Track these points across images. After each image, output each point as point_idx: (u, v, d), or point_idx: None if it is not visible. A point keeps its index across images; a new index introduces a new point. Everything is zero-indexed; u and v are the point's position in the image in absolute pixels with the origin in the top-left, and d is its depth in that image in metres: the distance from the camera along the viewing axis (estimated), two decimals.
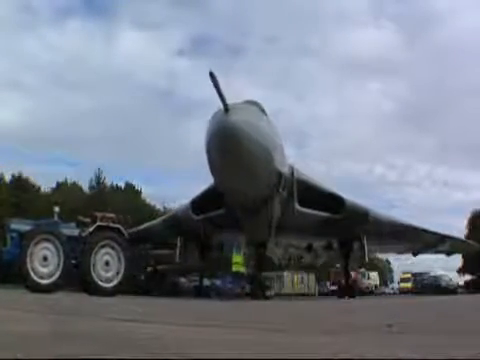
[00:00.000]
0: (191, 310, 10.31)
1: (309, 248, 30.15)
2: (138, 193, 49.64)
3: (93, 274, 15.48)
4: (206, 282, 30.54)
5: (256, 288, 21.92)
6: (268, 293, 20.71)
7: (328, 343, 3.63)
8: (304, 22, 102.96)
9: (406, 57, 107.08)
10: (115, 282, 16.02)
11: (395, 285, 61.66)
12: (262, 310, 11.46)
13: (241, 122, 15.51)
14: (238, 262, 21.20)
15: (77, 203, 40.73)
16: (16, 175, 42.48)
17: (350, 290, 25.90)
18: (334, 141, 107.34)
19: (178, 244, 25.18)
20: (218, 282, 35.74)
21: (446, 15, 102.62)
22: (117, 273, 16.10)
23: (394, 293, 51.08)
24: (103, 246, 16.01)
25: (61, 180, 47.51)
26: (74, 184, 47.22)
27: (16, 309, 7.21)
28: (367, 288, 42.23)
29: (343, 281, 27.63)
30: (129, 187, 49.36)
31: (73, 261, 15.28)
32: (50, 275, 14.64)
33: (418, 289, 39.51)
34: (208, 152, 16.51)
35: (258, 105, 18.61)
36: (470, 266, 46.69)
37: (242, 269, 22.12)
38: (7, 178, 42.70)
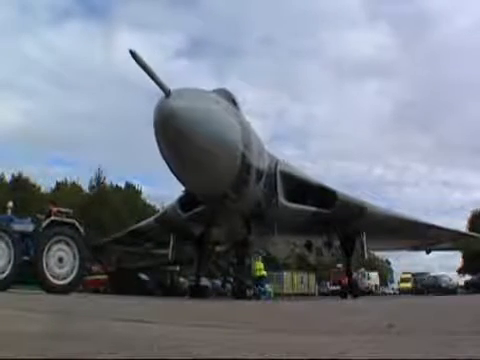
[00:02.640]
0: (190, 310, 10.30)
1: (309, 246, 28.90)
2: (138, 193, 49.70)
3: (46, 271, 14.91)
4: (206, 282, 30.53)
5: (236, 288, 21.68)
6: (249, 293, 20.91)
7: (329, 343, 3.63)
8: (302, 23, 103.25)
9: (403, 57, 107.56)
10: (69, 279, 15.42)
11: (395, 285, 61.73)
12: (263, 310, 11.45)
13: (183, 106, 14.07)
14: (260, 268, 21.52)
15: (77, 203, 40.78)
16: (16, 175, 42.55)
17: (353, 290, 25.19)
18: (333, 142, 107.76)
19: (171, 243, 24.27)
20: (217, 282, 35.80)
21: (442, 15, 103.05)
22: (72, 270, 15.52)
23: (394, 293, 51.14)
24: (57, 242, 15.42)
25: (61, 180, 47.62)
26: (74, 184, 47.25)
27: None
28: (367, 288, 42.27)
29: (345, 281, 26.83)
30: (129, 187, 49.42)
31: (26, 257, 14.78)
32: (1, 272, 14.12)
33: (418, 289, 39.55)
34: (156, 141, 15.21)
35: (226, 93, 17.41)
36: (470, 266, 46.72)
37: (264, 273, 22.48)
38: (7, 178, 42.81)
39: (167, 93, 13.94)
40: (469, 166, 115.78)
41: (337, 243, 25.93)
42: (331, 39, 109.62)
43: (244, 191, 18.49)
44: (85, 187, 46.27)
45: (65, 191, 44.32)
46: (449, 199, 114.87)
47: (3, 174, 42.76)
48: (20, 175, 42.73)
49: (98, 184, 45.08)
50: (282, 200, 20.98)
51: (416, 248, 30.63)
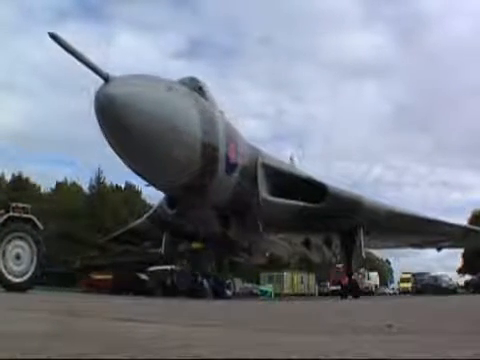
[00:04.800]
0: (190, 310, 10.30)
1: (307, 243, 27.65)
2: (138, 193, 49.63)
3: (2, 268, 14.55)
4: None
5: (217, 287, 21.36)
6: (229, 293, 20.85)
7: (329, 343, 3.63)
8: (300, 24, 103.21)
9: (402, 58, 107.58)
10: (27, 276, 15.05)
11: (395, 285, 61.72)
12: (262, 310, 11.45)
13: (122, 93, 13.10)
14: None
15: (77, 203, 40.81)
16: (16, 175, 42.58)
17: (354, 290, 24.48)
18: (333, 142, 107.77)
19: (163, 240, 23.60)
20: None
21: (440, 16, 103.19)
22: (29, 267, 15.16)
23: (394, 293, 51.08)
24: (14, 238, 15.06)
25: (61, 180, 47.60)
26: (74, 184, 47.22)
27: None
28: (367, 288, 42.15)
29: (345, 281, 25.82)
30: (129, 187, 49.35)
31: None
32: None
33: (418, 289, 39.51)
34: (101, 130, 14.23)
35: (192, 81, 16.39)
36: (470, 266, 46.68)
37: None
38: (7, 178, 42.85)
39: (105, 78, 12.99)
40: (469, 166, 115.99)
41: (337, 241, 24.98)
42: (330, 40, 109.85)
43: (211, 182, 17.15)
44: (85, 187, 46.32)
45: (65, 191, 44.33)
46: (448, 199, 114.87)
47: (3, 174, 42.87)
48: (20, 175, 42.76)
49: (98, 184, 45.02)
50: (264, 194, 19.63)
51: (422, 246, 29.75)
